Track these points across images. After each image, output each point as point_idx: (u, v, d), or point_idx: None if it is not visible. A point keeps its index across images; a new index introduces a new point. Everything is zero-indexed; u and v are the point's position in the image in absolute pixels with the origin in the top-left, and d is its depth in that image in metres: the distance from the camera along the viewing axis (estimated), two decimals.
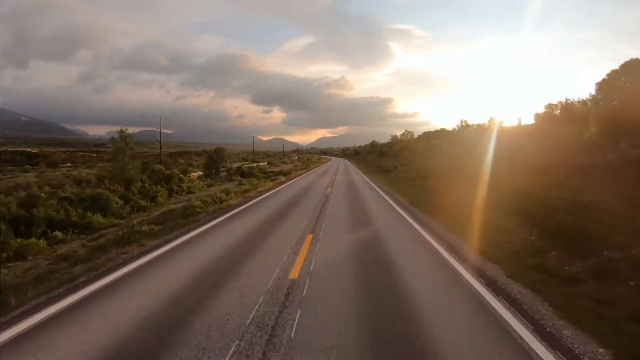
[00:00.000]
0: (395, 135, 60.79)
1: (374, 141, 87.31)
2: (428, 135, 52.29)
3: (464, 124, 39.66)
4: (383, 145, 61.51)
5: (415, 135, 58.73)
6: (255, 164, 46.19)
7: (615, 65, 18.44)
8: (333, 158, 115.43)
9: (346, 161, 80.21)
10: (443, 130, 56.66)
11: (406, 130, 55.64)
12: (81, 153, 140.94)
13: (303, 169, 41.24)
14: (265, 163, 57.15)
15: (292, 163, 68.33)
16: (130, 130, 18.36)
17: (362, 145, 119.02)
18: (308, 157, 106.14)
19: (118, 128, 17.71)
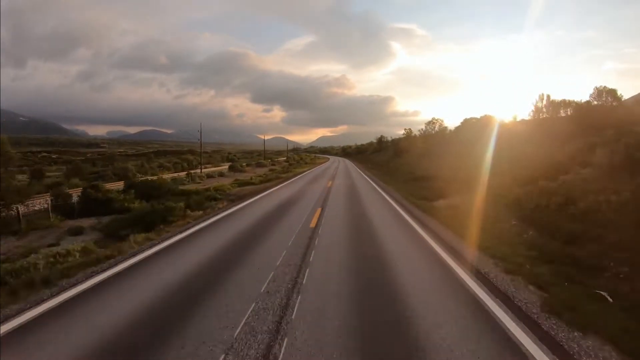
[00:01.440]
0: (409, 129, 43.44)
1: (381, 136, 69.47)
2: (470, 125, 34.38)
3: (552, 101, 21.45)
4: (400, 140, 43.70)
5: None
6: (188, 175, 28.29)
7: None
8: (332, 158, 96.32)
9: (348, 162, 60.41)
10: (486, 117, 39.20)
11: (434, 119, 37.91)
12: (43, 154, 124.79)
13: (261, 183, 22.97)
14: (227, 167, 39.24)
15: (271, 165, 50.66)
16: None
17: (365, 143, 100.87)
18: (300, 157, 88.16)
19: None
